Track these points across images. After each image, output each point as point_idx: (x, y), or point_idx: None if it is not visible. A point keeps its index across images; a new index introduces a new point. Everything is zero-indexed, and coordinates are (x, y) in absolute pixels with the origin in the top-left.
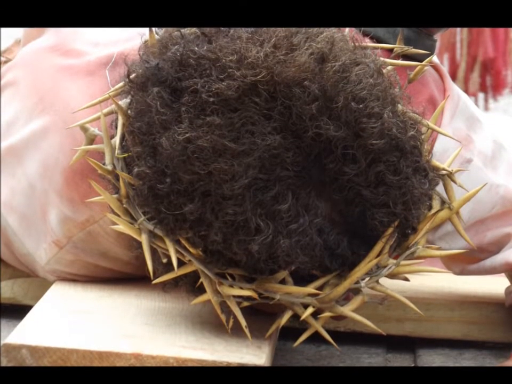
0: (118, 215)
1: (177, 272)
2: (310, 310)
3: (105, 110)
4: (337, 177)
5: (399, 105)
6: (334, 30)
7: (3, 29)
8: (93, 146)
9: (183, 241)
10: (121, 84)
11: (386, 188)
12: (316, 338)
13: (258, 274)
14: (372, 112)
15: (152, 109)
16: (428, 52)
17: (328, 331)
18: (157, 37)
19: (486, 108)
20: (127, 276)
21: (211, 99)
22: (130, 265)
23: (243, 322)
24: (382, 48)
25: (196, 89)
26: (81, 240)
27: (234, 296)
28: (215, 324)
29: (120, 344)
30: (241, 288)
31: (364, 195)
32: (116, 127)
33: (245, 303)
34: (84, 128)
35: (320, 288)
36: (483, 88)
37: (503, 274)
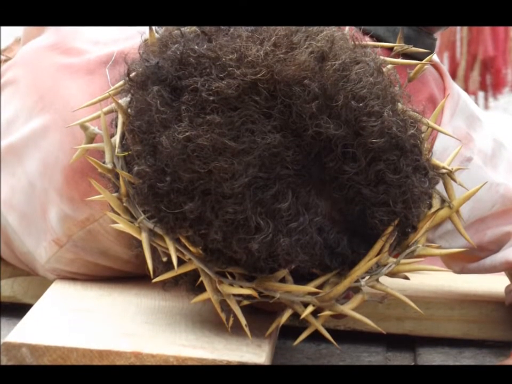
0: (118, 214)
1: (177, 271)
2: (310, 308)
3: (105, 109)
4: (337, 175)
5: (399, 103)
6: (334, 28)
7: (3, 28)
8: (93, 145)
9: (183, 240)
10: (121, 82)
11: (386, 187)
12: (315, 336)
13: (258, 273)
14: (372, 110)
15: (152, 108)
16: (428, 51)
17: (328, 330)
18: (157, 35)
19: (486, 107)
20: (127, 274)
21: (211, 98)
22: (130, 264)
23: (243, 321)
24: (382, 47)
25: (196, 87)
26: (81, 239)
27: (234, 295)
28: (215, 322)
29: (120, 342)
30: (241, 286)
31: (364, 194)
32: (116, 126)
33: (245, 302)
34: (83, 127)
35: (320, 286)
36: (483, 86)
37: (503, 273)
